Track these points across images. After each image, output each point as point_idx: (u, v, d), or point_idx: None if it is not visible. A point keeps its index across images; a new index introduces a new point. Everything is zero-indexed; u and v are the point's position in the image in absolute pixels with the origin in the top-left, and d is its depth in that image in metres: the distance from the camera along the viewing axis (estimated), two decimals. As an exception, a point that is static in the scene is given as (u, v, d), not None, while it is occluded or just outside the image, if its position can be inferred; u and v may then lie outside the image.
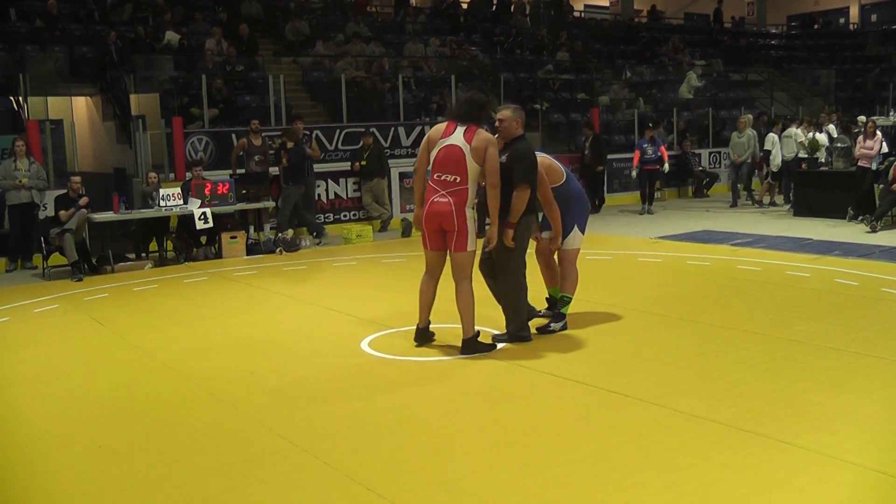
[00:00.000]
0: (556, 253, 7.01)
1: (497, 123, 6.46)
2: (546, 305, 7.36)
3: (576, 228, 6.88)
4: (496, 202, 6.09)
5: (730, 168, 16.52)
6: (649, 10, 28.64)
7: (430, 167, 6.23)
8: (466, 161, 6.00)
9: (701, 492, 3.89)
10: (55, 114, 14.06)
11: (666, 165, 15.65)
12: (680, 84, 21.74)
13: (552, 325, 6.87)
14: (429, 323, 6.47)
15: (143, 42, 15.22)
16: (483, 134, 6.06)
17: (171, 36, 15.63)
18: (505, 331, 6.60)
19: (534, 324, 6.90)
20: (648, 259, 10.33)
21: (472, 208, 6.12)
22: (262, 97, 14.86)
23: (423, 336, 6.47)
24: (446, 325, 6.68)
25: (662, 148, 15.56)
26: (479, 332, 6.34)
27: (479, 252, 6.36)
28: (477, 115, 6.18)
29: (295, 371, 6.11)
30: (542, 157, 6.78)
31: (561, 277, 6.96)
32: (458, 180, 6.03)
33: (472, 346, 6.26)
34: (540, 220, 7.08)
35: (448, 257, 6.24)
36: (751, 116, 17.23)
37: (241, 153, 12.74)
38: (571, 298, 6.94)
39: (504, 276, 6.47)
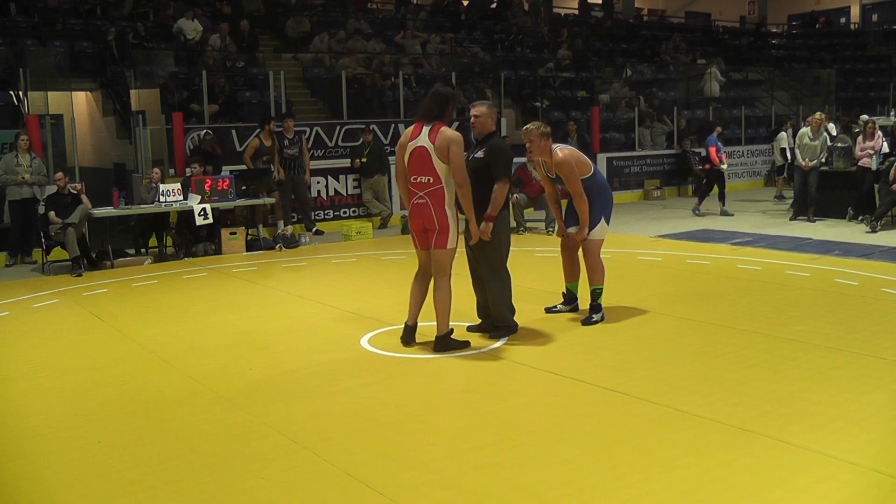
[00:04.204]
0: (581, 247, 7.16)
1: (472, 119, 6.53)
2: (562, 300, 7.50)
3: (602, 220, 7.06)
4: (467, 200, 6.11)
5: (797, 175, 13.68)
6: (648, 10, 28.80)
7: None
8: (433, 161, 6.01)
9: (700, 490, 3.89)
10: (55, 109, 14.02)
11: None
12: (683, 83, 21.76)
13: (594, 316, 7.05)
14: (416, 322, 6.47)
15: (143, 37, 15.19)
16: (447, 132, 6.02)
17: (196, 26, 15.64)
18: (497, 328, 6.62)
19: (577, 317, 7.17)
20: (648, 258, 10.32)
21: (453, 206, 6.14)
22: (263, 93, 14.84)
23: (410, 334, 6.46)
24: (454, 323, 6.67)
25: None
26: (452, 330, 6.34)
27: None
28: (441, 112, 6.11)
29: (294, 368, 6.11)
30: (571, 150, 7.03)
31: (589, 271, 7.11)
32: (431, 181, 6.05)
33: (445, 343, 6.27)
34: (564, 213, 7.16)
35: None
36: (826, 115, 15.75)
37: (253, 153, 12.80)
38: (602, 288, 7.12)
39: (491, 272, 6.50)
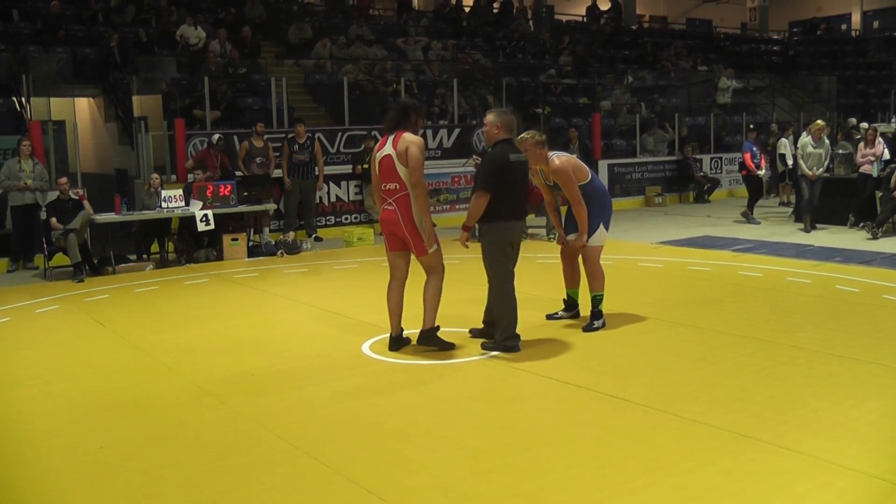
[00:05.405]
0: (580, 253, 7.16)
1: (483, 128, 6.62)
2: (563, 307, 7.51)
3: (601, 226, 7.07)
4: (421, 200, 6.18)
5: (803, 184, 13.22)
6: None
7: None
8: (397, 167, 6.14)
9: (702, 497, 3.89)
10: (57, 115, 14.07)
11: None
12: (684, 89, 21.84)
13: (595, 323, 7.05)
14: (401, 330, 6.54)
15: (145, 43, 15.23)
16: (407, 137, 6.17)
17: (199, 33, 15.70)
18: (493, 339, 6.52)
19: (577, 323, 7.16)
20: (649, 264, 10.33)
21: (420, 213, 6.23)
22: (265, 100, 14.87)
23: (398, 343, 6.52)
24: (450, 329, 6.69)
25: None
26: (438, 327, 6.41)
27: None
28: (403, 122, 6.26)
29: (296, 373, 6.11)
30: (569, 157, 7.09)
31: (589, 277, 7.11)
32: (397, 187, 6.20)
33: (428, 337, 6.39)
34: (564, 220, 7.17)
35: (410, 259, 6.46)
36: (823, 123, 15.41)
37: (244, 155, 12.77)
38: (602, 295, 7.11)
39: (491, 284, 6.47)
